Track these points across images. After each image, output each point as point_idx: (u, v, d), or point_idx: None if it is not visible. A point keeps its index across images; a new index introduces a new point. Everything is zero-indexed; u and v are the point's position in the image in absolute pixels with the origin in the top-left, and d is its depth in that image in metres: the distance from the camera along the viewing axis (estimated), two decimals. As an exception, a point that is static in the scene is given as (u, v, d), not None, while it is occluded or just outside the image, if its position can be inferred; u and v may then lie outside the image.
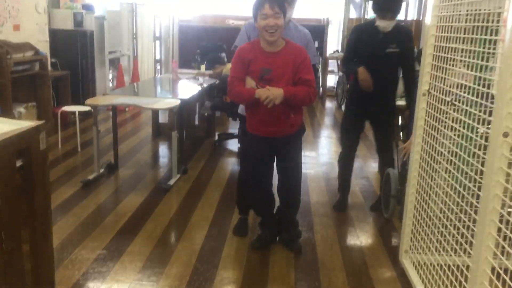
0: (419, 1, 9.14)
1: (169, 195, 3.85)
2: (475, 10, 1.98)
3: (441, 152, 2.27)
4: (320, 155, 5.28)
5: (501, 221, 1.70)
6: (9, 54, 4.63)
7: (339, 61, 8.78)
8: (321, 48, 8.60)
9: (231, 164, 4.80)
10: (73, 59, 6.32)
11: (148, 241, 3.03)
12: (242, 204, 3.26)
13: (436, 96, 2.34)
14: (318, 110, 7.99)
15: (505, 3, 1.67)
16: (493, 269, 1.72)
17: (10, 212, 1.72)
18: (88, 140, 5.25)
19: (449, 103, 2.20)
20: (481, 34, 1.91)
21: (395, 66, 3.40)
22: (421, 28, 7.99)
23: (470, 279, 1.84)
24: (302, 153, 2.95)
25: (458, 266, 2.02)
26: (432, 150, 2.38)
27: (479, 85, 1.92)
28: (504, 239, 1.69)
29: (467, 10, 2.04)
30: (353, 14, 9.40)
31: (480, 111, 1.89)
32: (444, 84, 2.25)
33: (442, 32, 2.29)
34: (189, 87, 5.12)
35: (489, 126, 1.75)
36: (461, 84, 2.10)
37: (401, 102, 3.62)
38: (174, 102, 4.04)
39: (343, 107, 7.44)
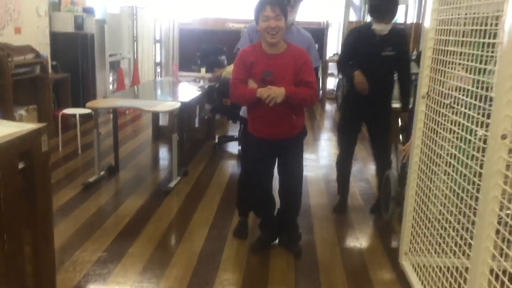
0: (418, 4, 9.17)
1: (170, 198, 3.86)
2: (474, 13, 1.99)
3: (440, 155, 2.28)
4: (320, 157, 5.29)
5: (499, 223, 1.71)
6: (10, 56, 4.64)
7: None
8: (321, 51, 8.63)
9: (231, 167, 4.81)
10: (74, 62, 6.33)
11: (148, 243, 3.04)
12: (242, 206, 3.27)
13: (435, 98, 2.36)
14: (318, 113, 8.01)
15: (504, 6, 1.68)
16: (491, 271, 1.73)
17: (12, 214, 1.72)
18: (88, 142, 5.26)
19: (448, 106, 2.21)
20: (479, 38, 1.93)
21: (391, 69, 3.42)
22: (421, 31, 8.01)
23: (469, 281, 1.85)
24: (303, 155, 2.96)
25: (457, 268, 2.03)
26: (431, 153, 2.39)
27: (477, 88, 1.93)
28: (503, 241, 1.70)
29: (466, 14, 2.06)
30: (353, 17, 9.41)
31: (478, 114, 1.90)
32: (443, 87, 2.27)
33: (441, 35, 2.31)
34: (189, 90, 5.13)
35: (488, 128, 1.76)
36: (460, 87, 2.12)
37: (397, 105, 3.64)
38: (174, 105, 4.05)
39: (342, 110, 7.45)
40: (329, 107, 8.66)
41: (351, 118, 3.55)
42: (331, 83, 9.46)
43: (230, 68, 4.54)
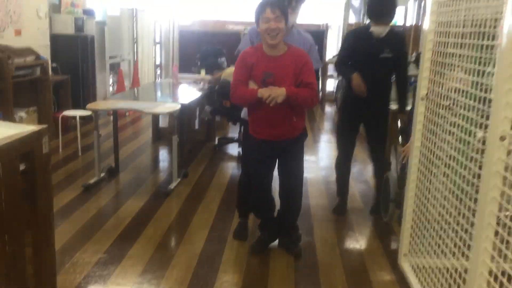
0: (418, 6, 9.19)
1: (170, 199, 3.87)
2: (473, 15, 2.00)
3: (439, 156, 2.29)
4: (319, 159, 5.30)
5: (498, 224, 1.72)
6: (10, 58, 4.65)
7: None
8: (321, 53, 8.65)
9: (231, 168, 4.82)
10: (74, 63, 6.34)
11: (148, 245, 3.05)
12: (242, 207, 3.27)
13: (435, 100, 2.36)
14: (317, 115, 8.02)
15: (503, 9, 1.69)
16: (490, 272, 1.73)
17: (13, 215, 1.73)
18: (88, 144, 5.27)
19: (447, 108, 2.22)
20: (478, 40, 1.94)
21: (389, 71, 3.43)
22: (420, 33, 8.02)
23: (468, 282, 1.86)
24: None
25: (456, 269, 2.03)
26: (431, 154, 2.40)
27: (476, 89, 1.94)
28: (502, 242, 1.70)
29: (465, 16, 2.07)
30: (352, 20, 9.43)
31: (477, 115, 1.91)
32: (442, 89, 2.28)
33: (440, 38, 2.32)
34: (189, 92, 5.14)
35: (487, 130, 1.77)
36: (459, 89, 2.13)
37: (394, 106, 3.65)
38: (174, 107, 4.06)
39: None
40: (329, 108, 8.67)
41: (350, 119, 3.56)
42: (331, 85, 9.47)
43: (229, 70, 4.55)
